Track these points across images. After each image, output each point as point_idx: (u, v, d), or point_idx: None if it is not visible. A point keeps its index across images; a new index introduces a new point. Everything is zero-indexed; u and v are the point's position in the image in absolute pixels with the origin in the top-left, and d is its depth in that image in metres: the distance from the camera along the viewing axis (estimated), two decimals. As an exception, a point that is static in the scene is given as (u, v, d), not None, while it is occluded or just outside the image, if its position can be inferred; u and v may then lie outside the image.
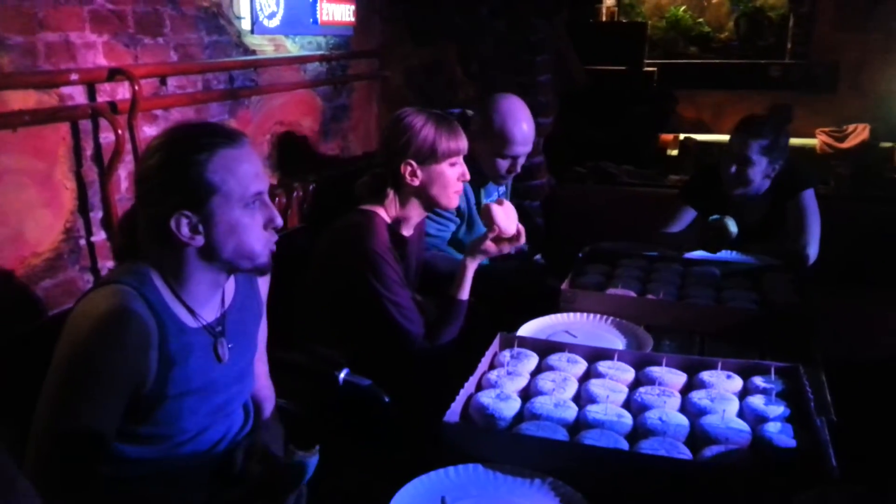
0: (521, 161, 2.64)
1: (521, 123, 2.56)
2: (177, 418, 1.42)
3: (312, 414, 1.91)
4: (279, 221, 1.44)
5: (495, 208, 2.03)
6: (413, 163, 2.02)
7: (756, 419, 1.47)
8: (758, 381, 1.61)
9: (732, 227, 2.44)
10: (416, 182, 2.04)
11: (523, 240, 2.07)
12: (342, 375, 1.91)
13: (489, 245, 2.04)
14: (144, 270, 1.38)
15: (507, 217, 2.05)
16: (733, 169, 2.64)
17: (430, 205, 2.12)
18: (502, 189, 2.85)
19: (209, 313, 1.47)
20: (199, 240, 1.36)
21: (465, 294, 2.07)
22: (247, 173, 1.37)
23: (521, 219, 3.09)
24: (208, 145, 1.35)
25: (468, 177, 2.12)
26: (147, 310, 1.34)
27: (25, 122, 1.88)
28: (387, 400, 1.90)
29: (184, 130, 1.42)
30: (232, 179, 1.35)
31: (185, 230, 1.35)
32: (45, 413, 1.28)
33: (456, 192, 2.10)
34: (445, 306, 2.07)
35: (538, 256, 2.99)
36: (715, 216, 2.51)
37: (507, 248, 2.07)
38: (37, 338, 1.74)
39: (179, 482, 1.46)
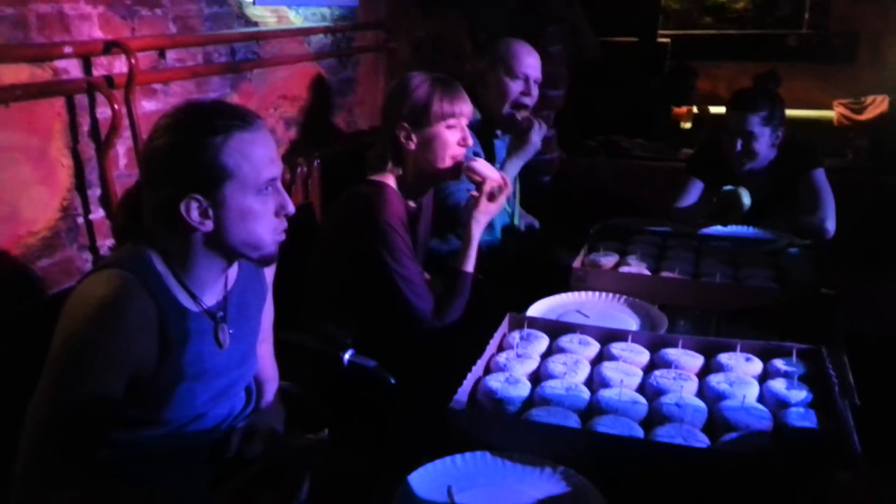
0: (535, 91, 2.62)
1: (526, 47, 2.63)
2: (178, 402, 1.39)
3: (316, 396, 1.86)
4: (291, 209, 1.39)
5: (477, 162, 1.99)
6: (406, 125, 1.94)
7: (777, 404, 1.40)
8: (778, 363, 1.54)
9: (746, 198, 2.39)
10: (412, 146, 1.96)
11: (510, 187, 2.03)
12: (347, 356, 1.86)
13: (484, 203, 1.99)
14: (146, 253, 1.34)
15: (487, 166, 2.01)
16: (738, 146, 2.60)
17: (430, 172, 2.02)
18: (503, 143, 2.77)
19: (211, 297, 1.43)
20: (209, 225, 1.32)
21: (470, 266, 2.01)
22: (262, 158, 1.33)
23: (534, 193, 3.05)
24: (223, 127, 1.29)
25: (470, 142, 2.02)
26: (147, 295, 1.30)
27: (18, 97, 1.83)
28: (392, 382, 1.85)
29: (196, 110, 1.35)
30: (246, 164, 1.30)
31: (194, 215, 1.30)
32: (42, 396, 1.25)
33: (453, 157, 2.01)
34: (451, 280, 2.01)
35: (534, 222, 2.93)
36: (728, 187, 2.44)
37: (502, 200, 2.01)
38: (35, 317, 1.70)
39: (182, 464, 1.43)
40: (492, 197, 2.00)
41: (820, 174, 2.62)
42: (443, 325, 1.98)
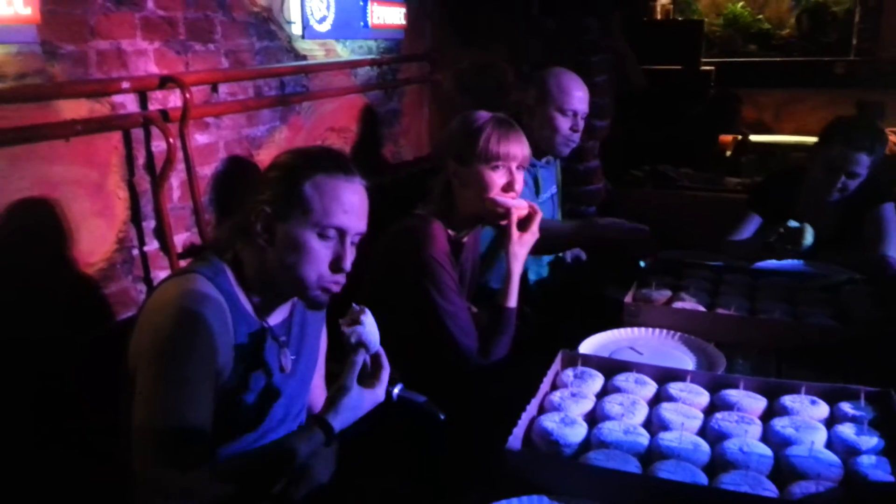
0: (581, 123, 2.61)
1: (576, 80, 2.62)
2: (235, 414, 1.41)
3: (366, 430, 1.84)
4: (346, 265, 1.40)
5: (498, 195, 1.93)
6: (455, 162, 1.93)
7: (847, 451, 1.35)
8: (846, 407, 1.48)
9: (809, 236, 2.31)
10: (457, 182, 1.95)
11: (539, 212, 1.96)
12: (396, 391, 1.84)
13: (516, 233, 1.92)
14: (219, 264, 1.40)
15: (512, 197, 1.95)
16: (840, 183, 2.49)
17: (470, 213, 1.98)
18: (552, 174, 2.75)
19: (275, 318, 1.48)
20: (267, 241, 1.37)
21: (512, 301, 1.97)
22: (338, 204, 1.37)
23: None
24: (325, 167, 1.38)
25: (519, 188, 1.96)
26: (222, 298, 1.35)
27: (78, 132, 1.86)
28: (442, 417, 1.82)
29: (311, 152, 1.49)
30: (320, 202, 1.36)
31: (259, 225, 1.37)
32: (146, 411, 1.27)
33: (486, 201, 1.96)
34: (495, 316, 1.98)
35: (581, 254, 2.88)
36: (794, 223, 2.36)
37: (535, 228, 1.95)
38: (94, 348, 1.74)
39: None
40: (522, 226, 1.94)
41: (889, 209, 2.52)
42: (489, 363, 1.95)
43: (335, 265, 1.39)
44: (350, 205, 1.38)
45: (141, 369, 1.29)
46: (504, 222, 1.94)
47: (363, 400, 1.39)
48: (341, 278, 1.41)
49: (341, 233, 1.38)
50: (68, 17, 1.83)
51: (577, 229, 2.51)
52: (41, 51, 1.76)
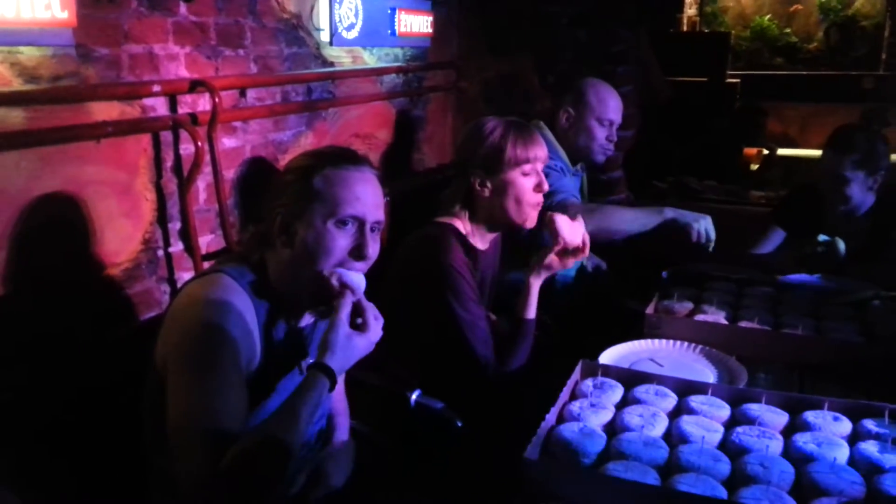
0: (616, 133, 2.68)
1: (612, 90, 2.68)
2: (260, 417, 1.40)
3: (384, 436, 1.85)
4: (366, 252, 1.40)
5: (559, 218, 1.93)
6: (481, 173, 1.93)
7: (870, 468, 1.33)
8: (869, 424, 1.46)
9: (842, 249, 2.29)
10: (486, 193, 1.95)
11: (587, 252, 1.96)
12: (414, 397, 1.85)
13: (553, 259, 1.94)
14: (246, 264, 1.42)
15: (571, 228, 1.94)
16: (833, 189, 2.49)
17: (503, 220, 2.01)
18: (580, 179, 2.76)
19: (300, 321, 1.50)
20: (284, 241, 1.39)
21: (531, 313, 1.97)
22: (352, 193, 1.38)
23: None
24: (333, 161, 1.40)
25: (546, 187, 2.00)
26: (246, 297, 1.37)
27: (108, 133, 1.90)
28: (460, 424, 1.83)
29: (322, 151, 1.51)
30: (331, 192, 1.37)
31: (278, 225, 1.39)
32: (187, 410, 1.27)
33: (533, 207, 1.99)
34: (514, 328, 1.98)
35: (602, 263, 2.87)
36: (824, 237, 2.35)
37: (570, 263, 1.96)
38: (117, 347, 1.77)
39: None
40: (562, 256, 1.95)
41: None
42: (507, 373, 1.95)
43: (356, 252, 1.39)
44: (362, 192, 1.39)
45: (172, 373, 1.30)
46: (557, 248, 1.93)
47: (356, 340, 1.36)
48: (361, 265, 1.40)
49: (359, 221, 1.39)
50: (103, 20, 1.87)
51: (649, 215, 2.46)
52: (76, 53, 1.80)
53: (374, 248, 1.42)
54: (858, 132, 2.58)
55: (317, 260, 1.37)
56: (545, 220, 1.96)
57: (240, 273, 1.39)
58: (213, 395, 1.27)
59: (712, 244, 2.35)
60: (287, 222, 1.38)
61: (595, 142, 2.63)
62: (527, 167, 1.94)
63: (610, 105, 2.62)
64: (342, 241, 1.38)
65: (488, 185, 1.94)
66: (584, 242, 1.95)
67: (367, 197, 1.39)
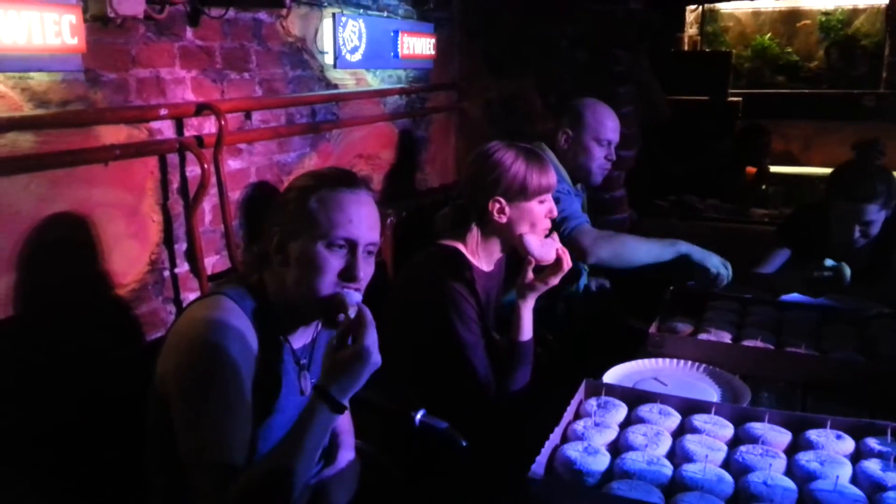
0: (614, 152, 2.69)
1: (608, 110, 2.70)
2: (262, 440, 1.42)
3: (389, 456, 1.86)
4: (357, 274, 1.40)
5: (528, 237, 1.94)
6: (502, 200, 1.95)
7: (872, 487, 1.33)
8: (872, 442, 1.47)
9: (847, 273, 2.30)
10: (504, 219, 1.97)
11: (567, 265, 1.93)
12: (418, 417, 1.85)
13: (530, 278, 1.92)
14: (245, 286, 1.43)
15: (541, 245, 1.93)
16: (857, 233, 2.48)
17: (514, 243, 2.03)
18: (581, 198, 2.77)
19: (299, 340, 1.51)
20: (280, 261, 1.41)
21: (525, 335, 1.97)
22: (343, 215, 1.39)
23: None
24: (327, 182, 1.42)
25: (556, 213, 2.04)
26: (246, 319, 1.38)
27: (116, 156, 1.93)
28: (464, 444, 1.83)
29: (318, 173, 1.52)
30: (325, 214, 1.38)
31: (273, 247, 1.41)
32: (198, 438, 1.29)
33: (542, 232, 2.02)
34: (510, 352, 1.99)
35: (606, 283, 2.88)
36: (830, 262, 2.36)
37: (553, 280, 1.93)
38: (123, 367, 1.78)
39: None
40: (542, 274, 1.93)
41: None
42: (509, 394, 1.95)
43: (345, 274, 1.39)
44: (356, 215, 1.40)
45: (174, 396, 1.32)
46: (529, 266, 1.92)
47: (355, 361, 1.31)
48: (353, 287, 1.41)
49: (350, 244, 1.39)
50: (111, 46, 1.90)
51: (663, 247, 2.51)
52: (84, 78, 1.83)
53: (366, 271, 1.42)
54: (874, 179, 2.51)
55: (310, 281, 1.38)
56: (516, 242, 1.96)
57: (240, 295, 1.40)
58: (217, 425, 1.29)
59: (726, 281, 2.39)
60: (283, 242, 1.41)
61: (594, 162, 2.64)
62: (544, 196, 1.98)
63: (608, 125, 2.64)
64: (334, 262, 1.39)
65: (507, 212, 1.96)
66: (559, 258, 1.94)
67: (360, 219, 1.41)
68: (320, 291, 1.39)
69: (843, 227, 2.52)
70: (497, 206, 1.95)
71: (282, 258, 1.41)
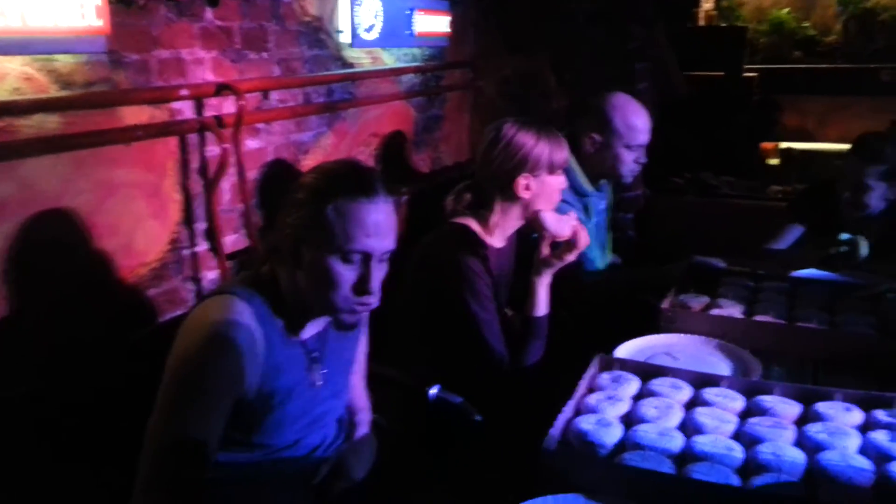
0: (644, 153, 2.59)
1: (639, 110, 2.54)
2: (276, 427, 1.46)
3: (406, 430, 1.91)
4: (370, 287, 1.40)
5: (544, 213, 1.99)
6: (529, 175, 1.99)
7: (879, 457, 1.36)
8: (880, 414, 1.49)
9: (864, 248, 2.30)
10: (528, 195, 2.00)
11: (583, 242, 1.97)
12: (433, 391, 1.90)
13: (546, 254, 1.97)
14: (258, 282, 1.44)
15: (557, 221, 1.97)
16: (847, 195, 2.49)
17: (530, 214, 2.07)
18: (603, 200, 2.76)
19: (309, 330, 1.51)
20: (293, 262, 1.41)
21: (540, 310, 2.01)
22: (361, 228, 1.36)
23: (615, 230, 3.01)
24: (347, 190, 1.37)
25: (565, 184, 2.12)
26: (256, 321, 1.39)
27: (139, 137, 1.96)
28: (478, 418, 1.88)
29: (333, 171, 1.45)
30: (342, 226, 1.36)
31: (287, 248, 1.41)
32: (157, 422, 1.32)
33: (557, 202, 2.09)
34: (524, 326, 2.03)
35: (615, 259, 2.89)
36: (846, 235, 2.37)
37: (569, 256, 1.97)
38: (145, 345, 1.83)
39: (278, 489, 1.50)
40: (558, 250, 1.97)
41: None
42: (522, 368, 2.00)
43: (359, 288, 1.39)
44: (374, 227, 1.37)
45: (163, 382, 1.33)
46: (544, 242, 1.98)
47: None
48: (367, 299, 1.41)
49: (366, 255, 1.38)
50: (134, 27, 1.93)
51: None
52: (108, 60, 1.87)
53: (380, 277, 1.42)
54: (888, 143, 2.51)
55: (323, 292, 1.39)
56: (531, 218, 2.03)
57: (250, 293, 1.41)
58: (184, 423, 1.30)
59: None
60: (296, 245, 1.39)
61: (625, 166, 2.54)
62: (560, 171, 2.05)
63: (640, 128, 2.51)
64: (348, 274, 1.38)
65: (532, 186, 1.99)
66: (575, 234, 1.98)
67: (378, 231, 1.38)
68: (333, 303, 1.40)
69: (840, 185, 2.53)
70: (524, 181, 1.99)
71: (294, 260, 1.40)
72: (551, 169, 2.01)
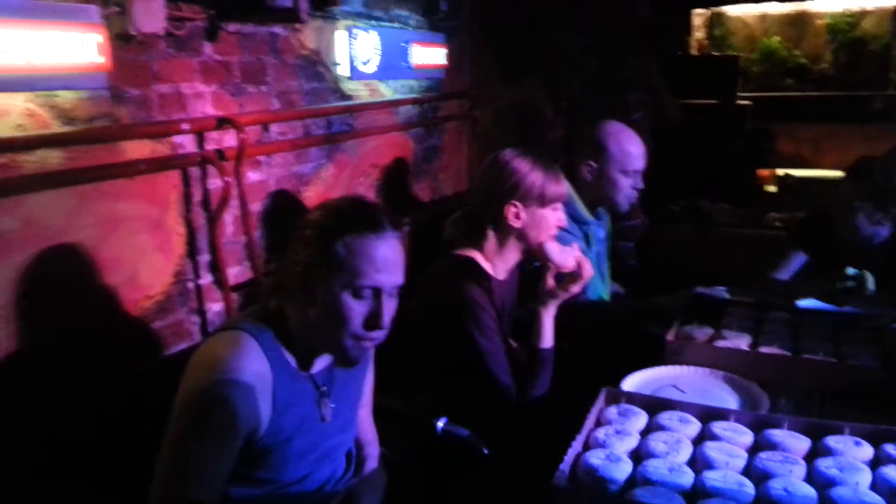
0: (641, 179, 2.60)
1: (633, 137, 2.57)
2: (286, 462, 1.45)
3: (414, 464, 1.88)
4: (382, 322, 1.40)
5: (547, 244, 1.99)
6: (518, 204, 1.99)
7: (892, 493, 1.35)
8: (890, 449, 1.48)
9: (871, 283, 2.30)
10: (519, 224, 2.00)
11: (587, 273, 1.97)
12: (441, 424, 1.88)
13: (551, 285, 1.97)
14: (267, 317, 1.43)
15: (561, 252, 1.97)
16: (838, 215, 2.51)
17: (528, 248, 2.07)
18: (602, 228, 2.77)
19: (318, 364, 1.51)
20: (304, 300, 1.40)
21: (546, 342, 2.00)
22: (370, 264, 1.37)
23: (617, 259, 3.02)
24: (355, 227, 1.38)
25: (564, 223, 2.09)
26: (264, 357, 1.38)
27: (141, 171, 1.97)
28: (486, 451, 1.86)
29: (341, 208, 1.45)
30: (352, 262, 1.36)
31: (297, 286, 1.40)
32: (166, 459, 1.31)
33: (551, 237, 2.06)
34: (530, 358, 2.02)
35: (619, 289, 2.89)
36: (852, 270, 2.37)
37: (574, 288, 1.97)
38: (151, 378, 1.82)
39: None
40: (562, 282, 1.97)
41: None
42: (529, 400, 1.98)
43: (370, 323, 1.39)
44: (383, 262, 1.38)
45: (172, 417, 1.33)
46: (549, 273, 1.98)
47: None
48: (377, 334, 1.42)
49: (376, 290, 1.39)
50: (134, 62, 1.94)
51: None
52: (109, 95, 1.87)
53: (389, 314, 1.42)
54: (877, 162, 2.52)
55: (334, 327, 1.39)
56: (535, 249, 2.01)
57: (258, 328, 1.40)
58: (190, 463, 1.29)
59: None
60: (306, 282, 1.39)
61: (621, 193, 2.56)
62: (557, 204, 2.04)
63: (634, 154, 2.53)
64: (358, 309, 1.38)
65: (522, 216, 1.99)
66: (579, 265, 1.97)
67: (388, 266, 1.39)
68: (344, 338, 1.40)
69: (836, 208, 2.55)
70: (513, 209, 1.99)
71: (306, 298, 1.40)
72: (542, 201, 1.98)
